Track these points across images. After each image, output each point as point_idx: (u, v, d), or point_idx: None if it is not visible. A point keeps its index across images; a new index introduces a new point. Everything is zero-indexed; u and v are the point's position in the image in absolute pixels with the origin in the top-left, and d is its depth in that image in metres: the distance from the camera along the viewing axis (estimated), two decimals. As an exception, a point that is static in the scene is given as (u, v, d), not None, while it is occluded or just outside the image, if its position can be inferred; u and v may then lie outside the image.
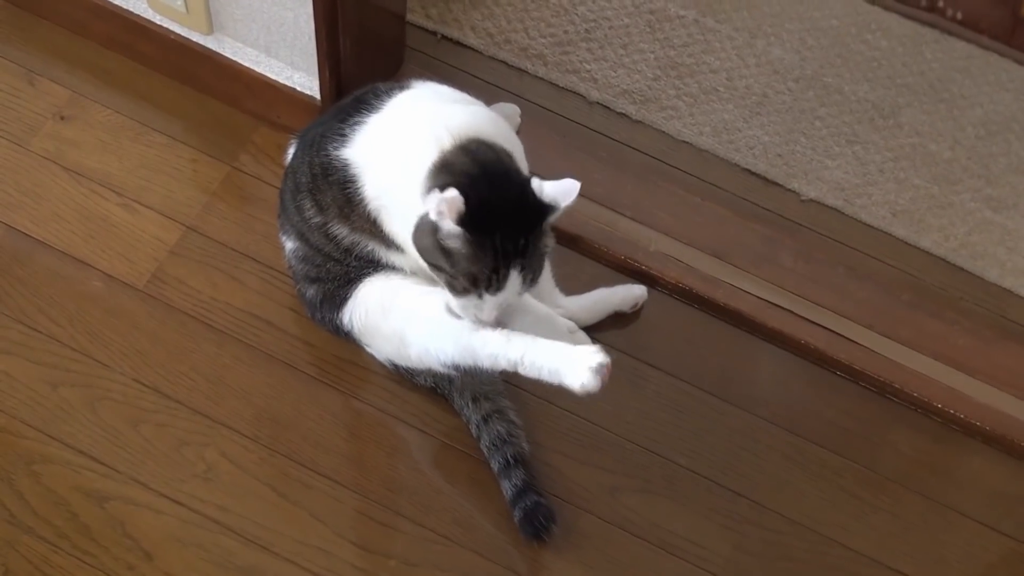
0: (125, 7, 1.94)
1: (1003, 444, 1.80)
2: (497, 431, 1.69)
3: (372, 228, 1.58)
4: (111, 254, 1.84)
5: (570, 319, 1.77)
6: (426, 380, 1.73)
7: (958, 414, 1.80)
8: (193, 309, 1.81)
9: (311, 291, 1.70)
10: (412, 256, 1.55)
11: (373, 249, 1.62)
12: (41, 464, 1.68)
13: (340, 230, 1.61)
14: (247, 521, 1.66)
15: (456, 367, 1.59)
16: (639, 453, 1.75)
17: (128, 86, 2.00)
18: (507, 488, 1.67)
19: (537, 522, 1.65)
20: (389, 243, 1.60)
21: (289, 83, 1.90)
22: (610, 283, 1.85)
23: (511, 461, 1.67)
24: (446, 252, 1.45)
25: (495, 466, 1.69)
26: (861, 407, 1.83)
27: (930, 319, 1.89)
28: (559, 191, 1.47)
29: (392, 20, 1.94)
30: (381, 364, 1.75)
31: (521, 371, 1.53)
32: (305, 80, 1.88)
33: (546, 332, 1.71)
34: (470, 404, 1.71)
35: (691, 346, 1.85)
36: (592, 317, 1.82)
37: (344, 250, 1.62)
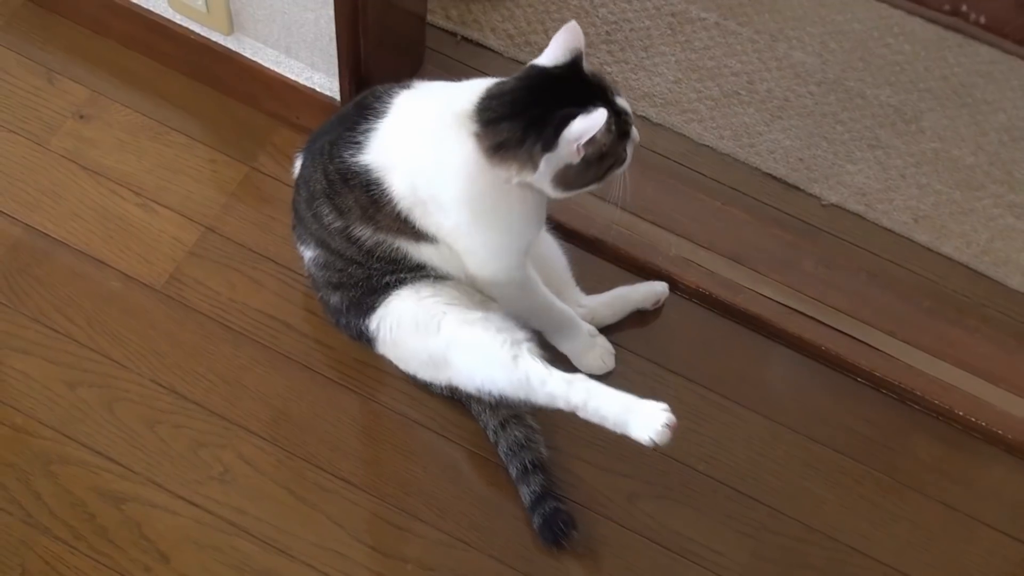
0: (145, 6, 1.94)
1: (1025, 453, 1.79)
2: (515, 436, 1.68)
3: (401, 226, 1.57)
4: (129, 254, 1.84)
5: (591, 318, 1.79)
6: (442, 390, 1.73)
7: (979, 422, 1.79)
8: (211, 310, 1.80)
9: (335, 298, 1.69)
10: (445, 245, 1.58)
11: (398, 247, 1.61)
12: (58, 464, 1.68)
13: (363, 232, 1.59)
14: (264, 524, 1.66)
15: (500, 399, 1.60)
16: (658, 459, 1.74)
17: (148, 85, 2.00)
18: (525, 494, 1.67)
19: (557, 528, 1.64)
20: (420, 237, 1.59)
21: (309, 84, 1.90)
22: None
23: (529, 467, 1.66)
24: (601, 153, 1.49)
25: (513, 472, 1.68)
26: (881, 414, 1.81)
27: (951, 326, 1.87)
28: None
29: (412, 21, 1.94)
30: (397, 368, 1.74)
31: (581, 415, 1.55)
32: (325, 81, 1.88)
33: (568, 335, 1.72)
34: (488, 410, 1.70)
35: (710, 351, 1.84)
36: (614, 315, 1.82)
37: (367, 252, 1.61)
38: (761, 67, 2.10)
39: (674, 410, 1.70)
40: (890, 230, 1.97)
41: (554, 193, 1.53)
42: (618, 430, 1.54)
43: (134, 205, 1.89)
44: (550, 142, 1.45)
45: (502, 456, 1.69)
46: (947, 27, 2.18)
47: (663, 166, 1.99)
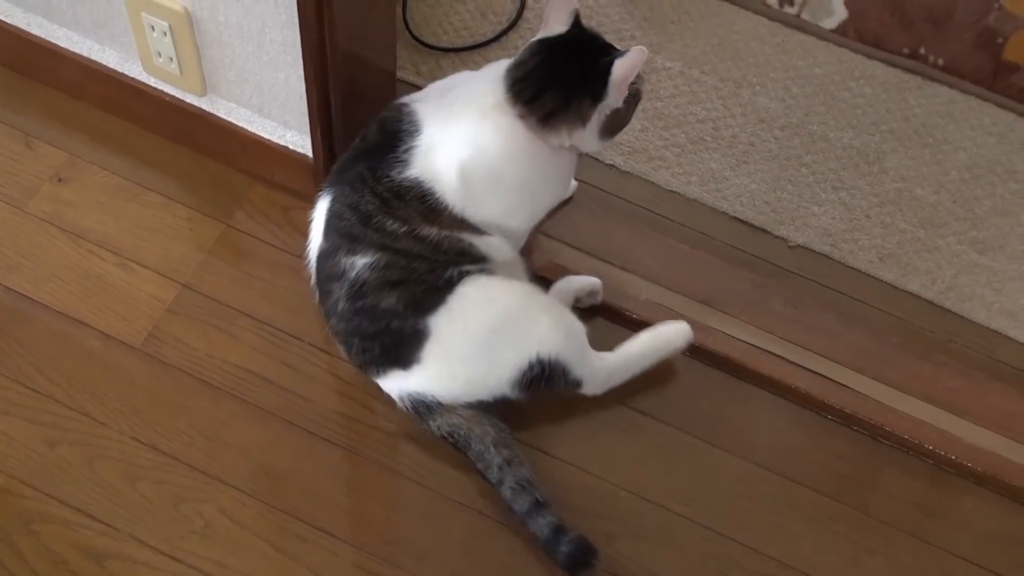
0: (120, 70, 1.98)
1: (995, 484, 1.81)
2: (522, 474, 1.70)
3: (462, 223, 1.67)
4: (108, 313, 1.87)
5: None
6: (440, 427, 1.73)
7: (950, 455, 1.82)
8: (190, 366, 1.83)
9: (389, 300, 1.66)
10: (508, 230, 1.72)
11: (463, 238, 1.68)
12: (40, 523, 1.69)
13: (429, 231, 1.65)
14: (245, 576, 1.67)
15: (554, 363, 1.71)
16: (633, 501, 1.76)
17: (124, 147, 2.03)
18: (542, 526, 1.67)
19: (588, 551, 1.66)
20: (480, 231, 1.69)
21: (282, 142, 1.93)
22: (601, 332, 1.85)
23: (539, 501, 1.68)
24: (634, 91, 1.68)
25: (520, 507, 1.68)
26: (853, 450, 1.84)
27: (920, 361, 1.91)
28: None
29: (382, 77, 1.98)
30: (385, 417, 1.76)
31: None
32: (297, 138, 1.91)
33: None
34: (491, 448, 1.71)
35: (683, 393, 1.87)
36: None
37: (433, 246, 1.66)
38: (726, 113, 2.15)
39: (648, 453, 1.73)
40: (856, 269, 2.00)
41: (597, 144, 1.71)
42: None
43: (112, 265, 1.91)
44: (599, 92, 1.63)
45: (508, 492, 1.69)
46: (907, 70, 2.23)
47: (632, 212, 2.03)
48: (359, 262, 1.66)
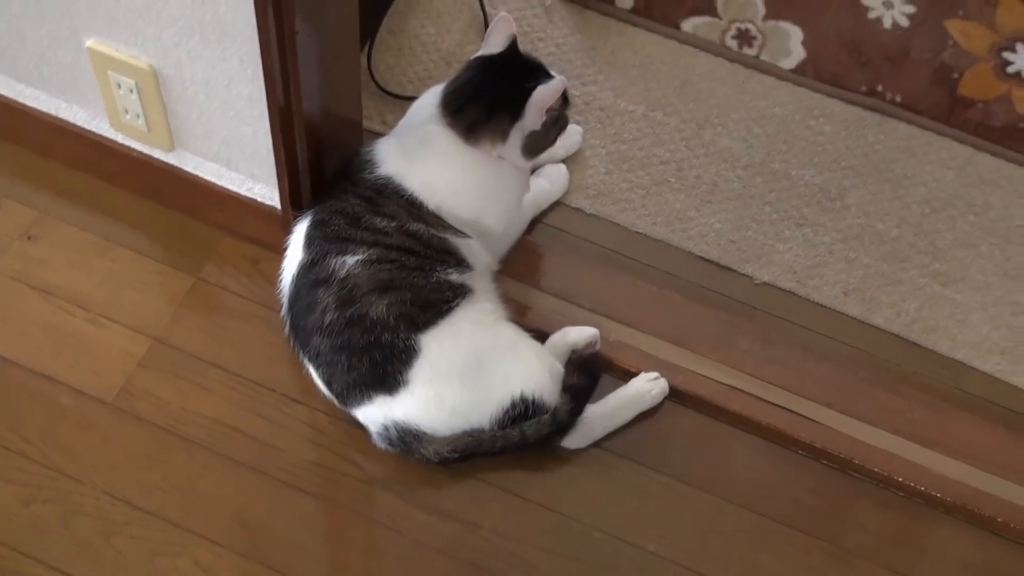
0: (88, 127, 1.99)
1: (965, 514, 1.83)
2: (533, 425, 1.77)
3: (442, 222, 1.77)
4: (80, 369, 1.87)
5: None
6: (439, 452, 1.74)
7: (919, 487, 1.84)
8: (163, 420, 1.83)
9: (379, 308, 1.69)
10: (486, 230, 1.82)
11: (447, 238, 1.77)
12: (15, 582, 1.69)
13: (417, 227, 1.75)
14: (222, 629, 1.67)
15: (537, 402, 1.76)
16: (608, 541, 1.77)
17: (93, 203, 2.04)
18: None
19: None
20: (461, 233, 1.79)
21: (250, 194, 1.95)
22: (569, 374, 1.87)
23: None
24: (556, 116, 1.82)
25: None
26: (824, 485, 1.86)
27: (887, 394, 1.93)
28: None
29: (349, 127, 1.99)
30: (359, 465, 1.77)
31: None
32: (266, 191, 1.93)
33: None
34: (500, 432, 1.76)
35: (654, 432, 1.88)
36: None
37: (423, 242, 1.74)
38: (689, 154, 2.17)
39: (621, 493, 1.74)
40: (822, 304, 2.03)
41: (521, 162, 1.83)
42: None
43: (83, 321, 1.92)
44: (518, 112, 1.76)
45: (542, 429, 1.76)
46: (865, 107, 2.26)
47: (599, 255, 2.05)
48: (350, 260, 1.71)
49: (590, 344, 1.89)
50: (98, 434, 1.82)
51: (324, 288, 1.70)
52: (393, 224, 1.74)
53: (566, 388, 1.78)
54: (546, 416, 1.75)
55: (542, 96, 1.75)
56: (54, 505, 1.75)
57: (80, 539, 1.72)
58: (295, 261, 1.76)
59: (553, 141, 1.86)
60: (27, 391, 1.85)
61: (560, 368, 1.80)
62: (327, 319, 1.70)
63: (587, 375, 1.81)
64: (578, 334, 1.90)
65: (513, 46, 1.81)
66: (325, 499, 1.79)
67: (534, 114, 1.76)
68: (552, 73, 1.82)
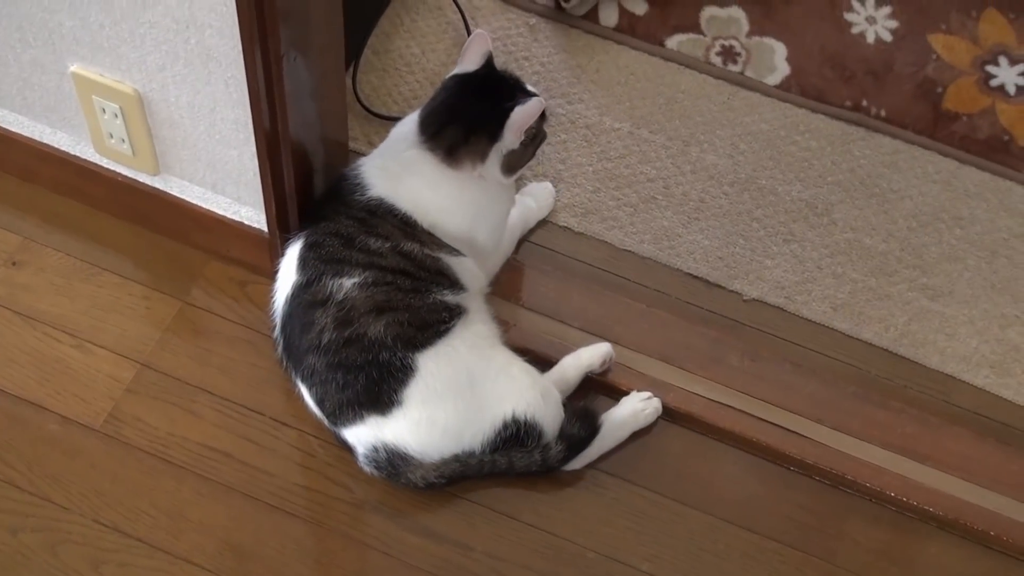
0: (72, 152, 1.98)
1: (957, 528, 1.83)
2: (525, 454, 1.77)
3: (436, 241, 1.77)
4: (67, 396, 1.86)
5: None
6: (426, 476, 1.74)
7: (911, 501, 1.84)
8: (151, 446, 1.82)
9: (376, 328, 1.69)
10: (478, 246, 1.82)
11: (440, 258, 1.76)
12: (3, 612, 1.67)
13: (412, 247, 1.74)
14: (213, 657, 1.66)
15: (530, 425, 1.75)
16: (601, 561, 1.76)
17: (79, 228, 2.03)
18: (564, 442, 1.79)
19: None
20: (454, 251, 1.78)
21: (236, 217, 1.94)
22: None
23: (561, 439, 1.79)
24: (534, 134, 1.80)
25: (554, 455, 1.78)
26: (816, 501, 1.85)
27: (877, 409, 1.93)
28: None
29: (335, 148, 1.99)
30: (349, 488, 1.76)
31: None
32: (252, 214, 1.92)
33: None
34: (489, 456, 1.76)
35: (646, 451, 1.88)
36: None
37: (417, 263, 1.73)
38: (676, 171, 2.18)
39: (614, 512, 1.73)
40: (811, 320, 2.03)
41: (503, 179, 1.81)
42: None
43: (69, 347, 1.91)
44: (496, 133, 1.74)
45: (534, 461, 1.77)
46: (850, 122, 2.27)
47: (588, 273, 2.05)
48: (347, 283, 1.70)
49: (605, 362, 1.90)
50: (86, 461, 1.80)
51: (321, 309, 1.70)
52: (387, 244, 1.73)
53: (564, 435, 1.78)
54: (536, 456, 1.75)
55: (520, 118, 1.73)
56: (42, 534, 1.74)
57: (69, 567, 1.71)
58: (289, 282, 1.75)
59: (532, 156, 1.84)
60: (13, 418, 1.83)
61: (556, 394, 1.79)
62: (324, 339, 1.69)
63: (587, 428, 1.80)
64: (591, 354, 1.89)
65: (489, 63, 1.80)
66: (315, 523, 1.78)
67: (512, 135, 1.75)
68: (529, 88, 1.80)
